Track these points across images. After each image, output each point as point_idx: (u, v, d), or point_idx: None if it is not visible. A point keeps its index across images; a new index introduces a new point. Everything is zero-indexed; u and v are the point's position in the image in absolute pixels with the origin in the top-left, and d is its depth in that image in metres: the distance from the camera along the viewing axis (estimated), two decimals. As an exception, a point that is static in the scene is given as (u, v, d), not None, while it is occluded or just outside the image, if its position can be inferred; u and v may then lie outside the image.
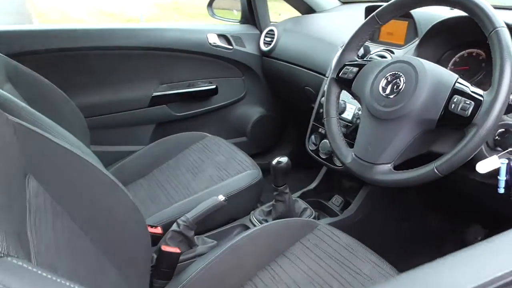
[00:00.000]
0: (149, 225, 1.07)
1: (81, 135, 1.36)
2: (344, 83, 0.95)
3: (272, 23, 1.85)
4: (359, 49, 0.98)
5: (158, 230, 1.07)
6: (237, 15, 1.89)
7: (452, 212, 1.47)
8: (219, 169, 1.34)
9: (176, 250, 0.97)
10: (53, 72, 1.32)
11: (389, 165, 0.80)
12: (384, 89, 0.82)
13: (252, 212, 1.26)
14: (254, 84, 1.88)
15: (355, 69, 0.93)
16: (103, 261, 0.71)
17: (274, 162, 1.13)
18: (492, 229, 1.38)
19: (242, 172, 1.27)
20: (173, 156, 1.46)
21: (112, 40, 1.51)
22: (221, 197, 1.08)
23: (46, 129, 0.93)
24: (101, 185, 0.75)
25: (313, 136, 1.33)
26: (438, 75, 0.77)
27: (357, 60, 0.96)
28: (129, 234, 0.79)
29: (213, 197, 1.09)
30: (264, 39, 1.80)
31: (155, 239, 1.03)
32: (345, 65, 0.96)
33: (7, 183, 0.51)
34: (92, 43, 1.48)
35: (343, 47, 0.99)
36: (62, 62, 1.47)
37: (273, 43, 1.75)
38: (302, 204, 1.26)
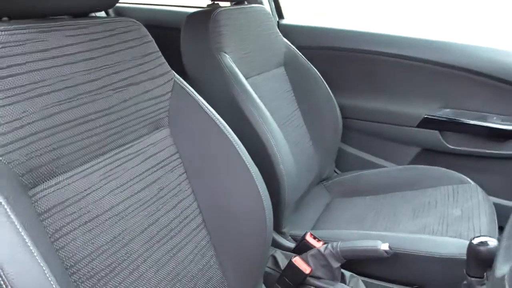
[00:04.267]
0: (311, 234, 1.03)
1: (331, 132, 1.41)
2: None
3: None
4: None
5: (318, 244, 1.00)
6: None
7: None
8: (441, 223, 1.07)
9: (305, 268, 0.90)
10: (325, 69, 1.40)
11: None
12: None
13: None
14: None
15: None
16: None
17: (476, 241, 0.77)
18: None
19: (458, 238, 0.98)
20: (416, 188, 1.27)
21: (404, 49, 1.40)
22: (385, 246, 0.89)
23: (255, 108, 1.04)
24: (235, 169, 0.79)
25: None
26: None
27: None
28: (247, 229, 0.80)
29: (376, 240, 0.90)
30: None
31: (307, 250, 0.98)
32: None
33: None
34: (381, 49, 1.43)
35: None
36: (339, 61, 1.51)
37: None
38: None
